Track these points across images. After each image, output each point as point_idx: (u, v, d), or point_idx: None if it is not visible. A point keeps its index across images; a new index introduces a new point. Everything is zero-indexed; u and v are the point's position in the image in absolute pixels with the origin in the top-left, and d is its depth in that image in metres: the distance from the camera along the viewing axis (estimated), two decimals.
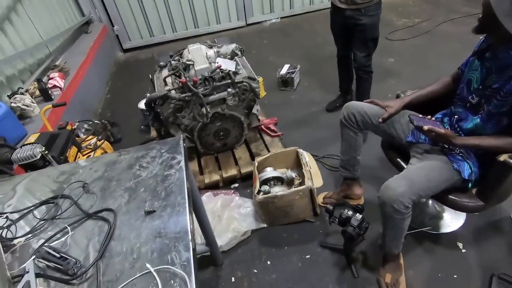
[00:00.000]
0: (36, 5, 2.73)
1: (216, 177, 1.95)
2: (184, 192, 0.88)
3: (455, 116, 1.25)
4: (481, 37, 1.18)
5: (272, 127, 2.24)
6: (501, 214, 1.62)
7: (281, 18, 4.48)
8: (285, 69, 2.94)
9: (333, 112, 2.54)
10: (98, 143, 1.90)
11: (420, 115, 1.24)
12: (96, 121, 2.26)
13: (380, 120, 1.32)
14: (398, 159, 1.45)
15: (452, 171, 1.19)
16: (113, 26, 4.01)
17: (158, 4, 3.99)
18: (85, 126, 2.26)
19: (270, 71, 3.01)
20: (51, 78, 2.39)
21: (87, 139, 1.93)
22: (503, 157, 1.06)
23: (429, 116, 1.23)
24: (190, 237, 0.75)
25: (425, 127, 1.10)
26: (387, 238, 1.28)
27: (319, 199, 1.79)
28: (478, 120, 1.15)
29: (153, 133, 2.30)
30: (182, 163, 0.97)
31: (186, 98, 1.72)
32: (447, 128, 1.25)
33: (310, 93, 2.85)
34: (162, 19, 4.13)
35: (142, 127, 2.52)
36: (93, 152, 1.84)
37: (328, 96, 2.66)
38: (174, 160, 0.99)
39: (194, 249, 0.73)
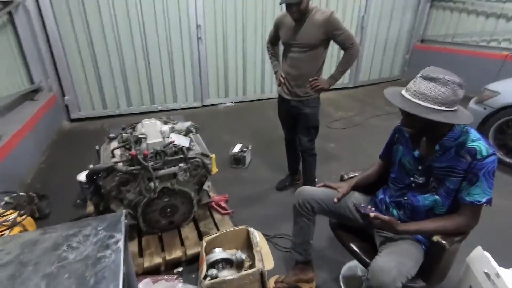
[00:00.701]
0: None
1: (157, 259, 1.75)
2: (119, 278, 0.76)
3: (405, 198, 1.33)
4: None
5: (223, 205, 2.18)
6: None
7: (236, 102, 4.88)
8: (237, 148, 3.06)
9: (282, 191, 2.62)
10: (19, 219, 1.63)
11: (363, 205, 1.33)
12: (21, 193, 1.98)
13: (335, 200, 1.39)
14: (352, 244, 1.45)
15: (421, 250, 1.24)
16: (64, 96, 3.92)
17: (116, 77, 4.10)
18: (6, 198, 1.96)
19: (223, 149, 3.10)
20: None
21: (4, 214, 1.64)
22: (435, 238, 1.15)
23: (370, 207, 1.29)
24: None
25: (372, 214, 1.18)
26: None
27: (270, 283, 1.67)
28: (437, 197, 1.22)
29: (90, 208, 2.07)
30: (121, 243, 0.86)
31: (134, 171, 1.65)
32: (394, 215, 1.33)
33: (261, 172, 2.94)
34: (118, 92, 4.19)
35: (78, 201, 2.27)
36: (8, 230, 1.56)
37: (278, 175, 2.77)
38: (111, 239, 0.88)
39: None
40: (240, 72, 4.79)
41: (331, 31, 1.95)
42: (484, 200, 1.12)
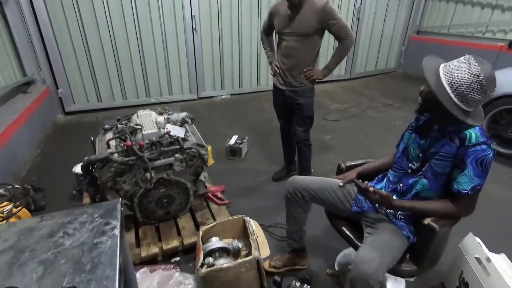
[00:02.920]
0: None
1: (154, 249, 1.76)
2: (116, 263, 0.77)
3: (401, 185, 1.35)
4: (413, 118, 1.37)
5: (219, 195, 2.20)
6: (436, 279, 1.70)
7: (231, 95, 4.86)
8: (233, 140, 3.06)
9: (279, 181, 2.63)
10: (14, 210, 1.63)
11: (361, 181, 1.33)
12: (16, 186, 1.98)
13: (341, 184, 1.45)
14: (344, 228, 1.48)
15: (404, 238, 1.26)
16: (57, 88, 3.88)
17: (110, 69, 4.05)
18: (1, 191, 1.95)
19: (219, 141, 3.10)
20: None
21: (0, 206, 1.64)
22: (426, 221, 1.17)
23: (368, 183, 1.32)
24: None
25: (371, 188, 1.21)
26: None
27: (265, 266, 1.70)
28: (425, 180, 1.24)
29: (86, 199, 2.07)
30: (117, 229, 0.87)
31: (130, 162, 1.65)
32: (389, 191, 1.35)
33: (257, 163, 2.95)
34: (113, 85, 4.15)
35: (74, 192, 2.26)
36: (4, 221, 1.56)
37: (274, 166, 2.79)
38: (107, 225, 0.88)
39: None
40: (235, 64, 4.76)
41: (326, 20, 1.94)
42: (468, 188, 1.13)
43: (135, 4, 3.84)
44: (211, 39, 4.43)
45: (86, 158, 1.65)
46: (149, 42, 4.10)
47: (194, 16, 4.16)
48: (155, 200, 1.83)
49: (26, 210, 1.78)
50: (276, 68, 2.19)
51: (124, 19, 3.86)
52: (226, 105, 4.53)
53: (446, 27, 5.58)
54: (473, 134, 1.11)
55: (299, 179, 1.54)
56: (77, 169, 2.29)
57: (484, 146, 1.10)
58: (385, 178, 1.46)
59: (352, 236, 1.42)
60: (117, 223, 0.90)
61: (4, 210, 1.61)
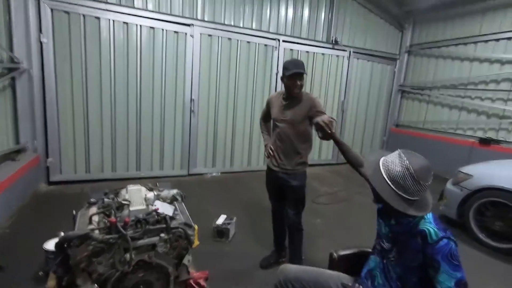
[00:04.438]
0: None
1: None
2: None
3: (381, 266, 1.33)
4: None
5: (202, 283, 1.99)
6: None
7: (222, 172, 4.91)
8: (221, 220, 2.95)
9: (267, 268, 2.45)
10: None
11: (350, 284, 1.33)
12: None
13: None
14: None
15: None
16: (47, 157, 3.85)
17: (105, 141, 4.13)
18: None
19: (207, 220, 2.98)
20: None
21: None
22: None
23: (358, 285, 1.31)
24: None
25: None
26: None
27: None
28: (398, 268, 1.24)
29: (51, 282, 1.83)
30: None
31: (110, 240, 1.53)
32: (380, 283, 1.30)
33: (245, 246, 2.79)
34: (105, 156, 4.16)
35: (40, 273, 2.02)
36: None
37: (263, 251, 2.63)
38: None
39: None
40: (228, 143, 4.96)
41: (313, 110, 2.12)
42: (453, 284, 1.11)
43: (140, 83, 4.18)
44: (206, 120, 4.72)
45: (62, 234, 1.53)
46: (147, 118, 4.31)
47: (193, 99, 4.51)
48: (131, 287, 1.64)
49: None
50: (270, 151, 2.30)
51: (127, 96, 4.14)
52: (216, 182, 4.52)
53: (421, 122, 6.16)
54: (431, 230, 1.15)
55: (291, 269, 1.45)
56: (49, 245, 2.10)
57: (445, 241, 1.13)
58: (368, 263, 1.42)
59: None
60: None
61: None
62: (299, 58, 5.20)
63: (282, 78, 2.18)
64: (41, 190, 3.74)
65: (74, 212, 1.87)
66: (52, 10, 3.62)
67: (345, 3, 5.57)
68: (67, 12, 3.69)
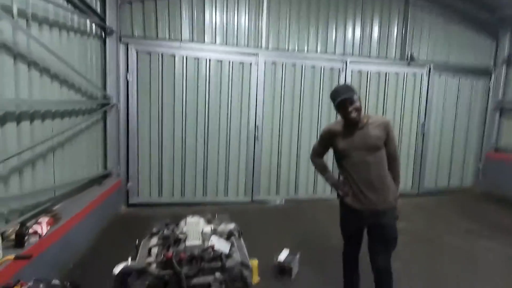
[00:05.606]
0: (66, 156, 2.99)
1: None
2: None
3: None
4: None
5: None
6: None
7: (286, 200, 4.71)
8: (284, 255, 2.73)
9: None
10: None
11: None
12: (56, 283, 1.92)
13: None
14: None
15: None
16: (127, 182, 4.26)
17: (176, 169, 4.40)
18: (41, 286, 1.90)
19: (268, 254, 2.79)
20: (38, 223, 2.27)
21: None
22: None
23: None
24: None
25: None
26: None
27: None
28: None
29: None
30: None
31: (166, 277, 1.49)
32: None
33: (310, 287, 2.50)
34: (175, 182, 4.42)
35: None
36: None
37: None
38: None
39: None
40: (292, 171, 4.78)
41: (389, 133, 1.96)
42: None
43: (208, 113, 4.40)
44: (270, 146, 4.66)
45: (123, 265, 1.56)
46: (214, 146, 4.47)
47: (257, 126, 4.53)
48: None
49: None
50: (348, 189, 2.00)
51: (196, 125, 4.39)
52: (279, 212, 4.34)
53: None
54: None
55: None
56: (118, 269, 2.19)
57: None
58: None
59: None
60: None
61: None
62: (368, 80, 4.85)
63: (336, 111, 1.98)
64: (121, 212, 4.11)
65: (137, 241, 1.92)
66: (137, 52, 4.14)
67: (421, 14, 5.06)
68: (149, 53, 4.17)
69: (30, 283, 1.64)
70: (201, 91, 4.36)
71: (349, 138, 1.96)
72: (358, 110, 1.89)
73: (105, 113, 3.96)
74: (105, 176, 3.94)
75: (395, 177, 2.04)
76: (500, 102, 5.46)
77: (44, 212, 2.56)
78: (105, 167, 4.01)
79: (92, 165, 3.63)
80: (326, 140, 2.10)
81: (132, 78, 4.14)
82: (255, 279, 2.48)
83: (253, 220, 3.85)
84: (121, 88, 4.12)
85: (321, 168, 2.28)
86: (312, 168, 4.76)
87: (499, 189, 5.24)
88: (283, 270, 2.64)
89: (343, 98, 1.87)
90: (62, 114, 2.90)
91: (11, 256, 1.65)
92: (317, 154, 2.28)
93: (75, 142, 3.18)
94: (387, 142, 1.96)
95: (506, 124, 5.46)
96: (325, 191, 4.86)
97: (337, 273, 2.30)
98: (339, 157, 2.03)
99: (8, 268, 1.78)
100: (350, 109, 1.87)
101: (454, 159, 5.46)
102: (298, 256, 2.76)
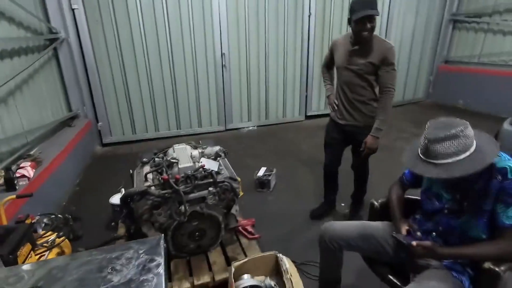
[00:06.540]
0: (27, 98, 2.83)
1: (186, 284, 1.74)
2: None
3: (440, 228, 1.26)
4: None
5: (250, 229, 2.17)
6: None
7: (258, 126, 4.96)
8: (262, 172, 3.08)
9: (319, 220, 2.49)
10: (57, 240, 1.70)
11: (402, 234, 1.28)
12: (58, 215, 2.08)
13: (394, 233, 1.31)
14: (391, 277, 1.38)
15: (456, 284, 1.16)
16: (97, 122, 4.17)
17: (146, 104, 4.32)
18: (45, 220, 2.06)
19: (248, 173, 3.12)
20: (22, 167, 2.29)
21: (45, 235, 1.73)
22: (487, 265, 1.09)
23: (419, 234, 1.27)
24: None
25: (414, 243, 1.14)
26: None
27: None
28: (469, 218, 1.16)
29: (121, 230, 2.12)
30: (161, 267, 0.89)
31: (166, 195, 1.70)
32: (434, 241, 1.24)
33: (286, 196, 2.92)
34: (147, 118, 4.40)
35: (112, 223, 2.34)
36: (48, 251, 1.63)
37: (304, 200, 2.74)
38: (152, 262, 0.90)
39: None
40: (262, 97, 4.91)
41: (385, 62, 1.88)
42: None
43: (170, 42, 4.15)
44: (239, 74, 4.64)
45: (123, 190, 1.73)
46: (181, 78, 4.36)
47: (224, 53, 4.41)
48: (188, 234, 1.85)
49: (67, 241, 1.85)
50: (334, 104, 2.17)
51: (160, 56, 4.17)
52: (253, 136, 4.61)
53: (476, 56, 5.47)
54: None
55: (335, 227, 1.50)
56: (114, 200, 2.38)
57: None
58: (419, 223, 1.36)
59: (400, 284, 1.31)
60: (161, 260, 0.92)
61: (49, 240, 1.69)
62: None
63: (348, 21, 1.86)
64: (97, 152, 4.13)
65: (131, 171, 2.07)
66: None
67: None
68: None
69: (38, 217, 1.78)
70: (160, 19, 4.02)
71: (346, 56, 1.98)
72: (372, 30, 1.81)
73: (56, 50, 3.60)
74: (73, 118, 3.82)
75: (379, 108, 1.99)
76: (454, 14, 5.69)
77: (23, 157, 2.55)
78: (70, 109, 3.85)
79: (56, 107, 3.46)
80: (330, 51, 2.16)
81: (78, 6, 3.67)
82: (240, 194, 2.84)
83: (229, 146, 4.05)
84: (68, 19, 3.67)
85: (324, 79, 2.34)
86: (281, 92, 4.98)
87: (447, 99, 5.84)
88: (262, 183, 3.00)
89: (367, 15, 1.72)
90: (10, 54, 2.64)
91: (13, 196, 1.74)
92: (326, 64, 2.29)
93: (32, 84, 2.97)
94: (380, 73, 1.93)
95: (458, 36, 5.81)
96: (294, 114, 5.15)
97: (307, 182, 2.69)
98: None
99: (10, 206, 1.87)
100: (367, 26, 1.77)
101: (409, 73, 5.86)
102: (274, 171, 3.13)
